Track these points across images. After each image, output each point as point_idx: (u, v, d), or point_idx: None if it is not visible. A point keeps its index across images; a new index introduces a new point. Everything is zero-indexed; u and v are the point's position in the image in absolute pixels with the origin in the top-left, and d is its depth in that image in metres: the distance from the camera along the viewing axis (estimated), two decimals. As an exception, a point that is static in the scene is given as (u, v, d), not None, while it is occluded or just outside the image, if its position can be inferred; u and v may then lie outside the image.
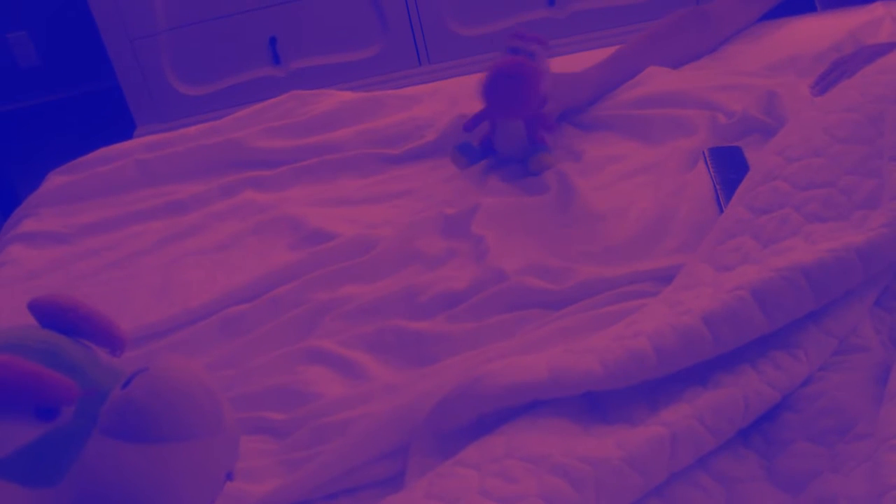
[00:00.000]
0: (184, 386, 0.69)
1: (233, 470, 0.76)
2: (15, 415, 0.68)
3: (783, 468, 0.93)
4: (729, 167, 1.41)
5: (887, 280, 1.06)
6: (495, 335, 1.22)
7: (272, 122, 1.89)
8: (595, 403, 1.03)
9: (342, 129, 1.83)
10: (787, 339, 1.00)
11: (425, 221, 1.47)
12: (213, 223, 1.67)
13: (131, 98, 3.38)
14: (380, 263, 1.42)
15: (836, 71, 1.56)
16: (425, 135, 1.76)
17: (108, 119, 3.58)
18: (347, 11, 3.28)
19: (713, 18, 1.82)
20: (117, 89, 3.39)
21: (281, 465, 1.10)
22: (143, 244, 1.67)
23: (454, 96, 1.86)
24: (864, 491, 0.84)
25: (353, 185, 1.69)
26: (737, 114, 1.52)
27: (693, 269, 1.17)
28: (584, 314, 1.20)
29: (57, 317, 0.77)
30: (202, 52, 3.32)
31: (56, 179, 1.98)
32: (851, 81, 1.28)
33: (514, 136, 1.59)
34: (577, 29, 3.28)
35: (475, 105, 1.64)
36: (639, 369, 1.00)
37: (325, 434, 1.12)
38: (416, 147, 1.74)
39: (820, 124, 1.21)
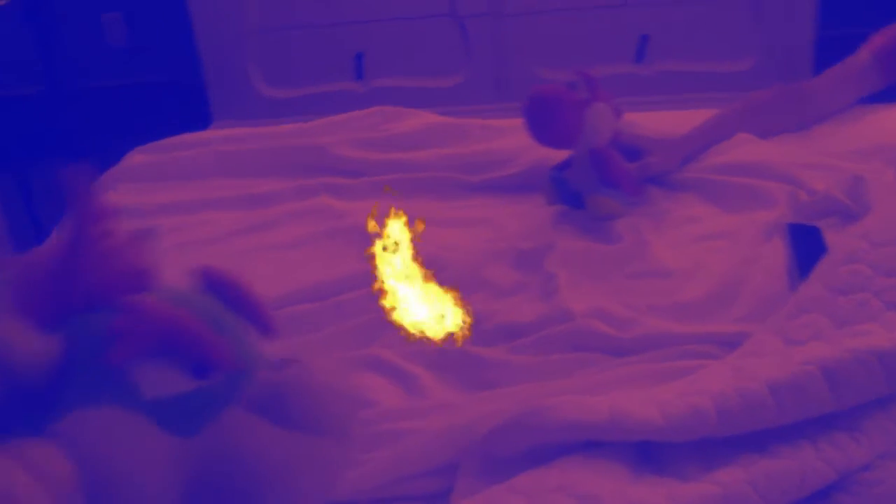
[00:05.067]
0: (330, 387, 0.74)
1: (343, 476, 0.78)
2: (174, 365, 0.72)
3: (831, 548, 0.93)
4: (805, 245, 1.41)
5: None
6: (555, 372, 1.23)
7: (356, 133, 1.91)
8: (649, 454, 1.03)
9: (424, 149, 1.86)
10: (852, 422, 1.00)
11: (498, 252, 1.49)
12: (286, 222, 1.70)
13: (212, 92, 3.43)
14: (447, 286, 1.43)
15: None
16: (506, 168, 1.77)
17: (185, 110, 3.63)
18: (435, 37, 3.32)
19: (811, 97, 1.83)
20: (199, 81, 3.44)
21: (330, 466, 1.11)
22: (215, 232, 1.69)
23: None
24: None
25: (429, 206, 1.71)
26: (819, 193, 1.52)
27: (761, 338, 1.17)
28: (645, 365, 1.21)
29: (223, 288, 0.82)
30: (288, 58, 3.37)
31: (136, 158, 2.01)
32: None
33: (585, 174, 1.59)
34: (661, 88, 3.28)
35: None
36: (698, 426, 1.00)
37: (377, 441, 1.13)
38: (496, 178, 1.75)
39: (907, 213, 1.21)
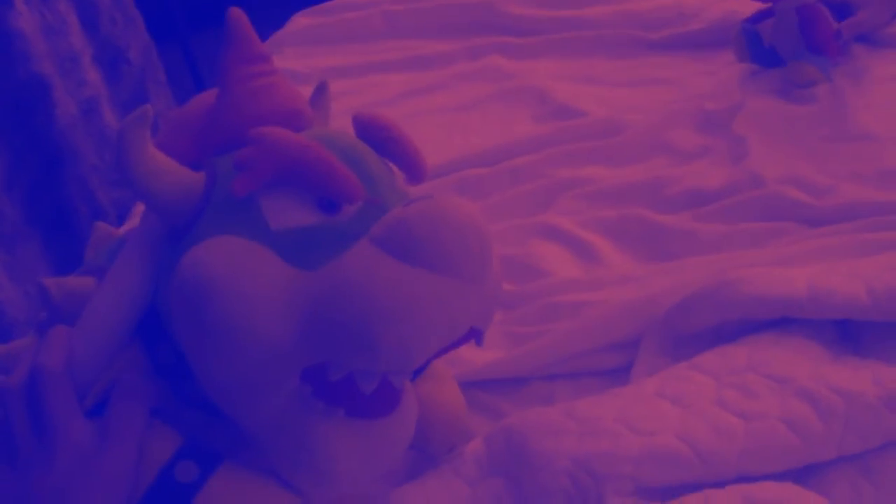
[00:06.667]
0: (462, 224, 0.68)
1: (483, 332, 0.72)
2: (301, 197, 0.71)
3: None
4: None
5: None
6: (745, 243, 1.14)
7: (528, -11, 1.82)
8: (850, 334, 0.94)
9: (601, 5, 1.76)
10: None
11: (681, 113, 1.39)
12: (456, 84, 1.64)
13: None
14: (627, 149, 1.35)
15: None
16: (690, 23, 1.66)
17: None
18: None
19: None
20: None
21: (504, 337, 1.07)
22: (383, 95, 1.65)
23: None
24: None
25: (606, 65, 1.62)
26: None
27: (981, 206, 1.06)
28: (846, 237, 1.10)
29: (373, 131, 0.79)
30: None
31: (301, 20, 1.99)
32: None
33: (788, 32, 1.44)
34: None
35: (749, 2, 1.52)
36: (909, 304, 0.90)
37: (554, 313, 1.07)
38: (679, 34, 1.64)
39: None
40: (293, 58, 1.86)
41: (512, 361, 1.01)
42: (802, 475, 0.83)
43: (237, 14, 0.77)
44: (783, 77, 1.43)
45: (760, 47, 1.46)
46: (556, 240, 1.20)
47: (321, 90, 0.90)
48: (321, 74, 1.73)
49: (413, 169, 0.79)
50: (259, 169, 0.70)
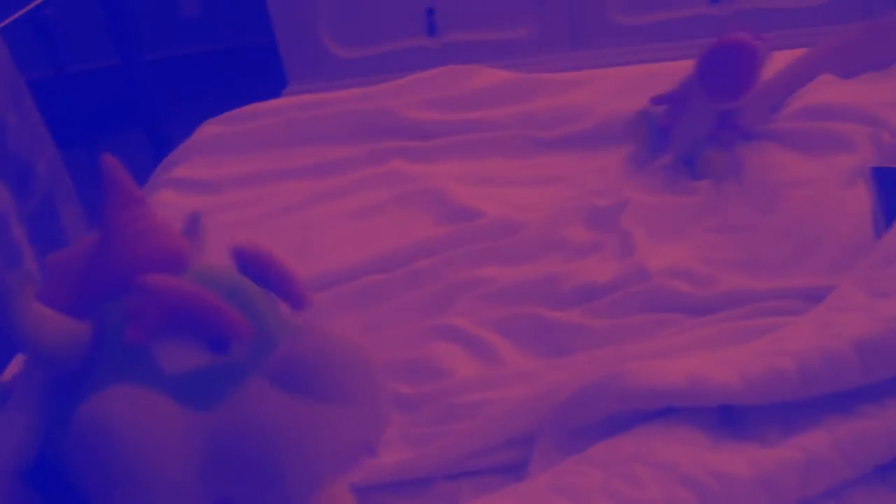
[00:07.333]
0: (348, 355, 0.75)
1: (376, 447, 0.77)
2: (191, 341, 0.75)
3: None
4: (891, 189, 1.36)
5: None
6: (634, 335, 1.20)
7: (427, 93, 1.89)
8: (728, 418, 1.01)
9: (496, 107, 1.83)
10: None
11: (573, 210, 1.46)
12: (358, 189, 1.69)
13: (286, 55, 3.44)
14: (523, 248, 1.41)
15: None
16: (581, 122, 1.73)
17: (261, 74, 3.65)
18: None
19: (894, 31, 1.74)
20: (272, 45, 3.45)
21: (405, 439, 1.11)
22: (287, 202, 1.69)
23: (616, 86, 1.82)
24: None
25: (502, 165, 1.68)
26: (904, 133, 1.46)
27: (845, 291, 1.13)
28: (726, 324, 1.18)
29: (253, 264, 0.84)
30: (360, 17, 3.35)
31: (209, 129, 2.02)
32: None
33: (699, 127, 1.53)
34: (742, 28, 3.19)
35: (637, 98, 1.60)
36: (779, 388, 0.97)
37: (454, 413, 1.12)
38: (571, 133, 1.72)
39: None
40: (201, 167, 1.88)
41: (414, 462, 1.05)
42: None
43: (111, 162, 0.83)
44: (695, 169, 1.52)
45: (656, 128, 1.55)
46: (455, 340, 1.25)
47: (194, 222, 0.94)
48: (228, 183, 1.79)
49: (294, 298, 0.84)
50: (148, 317, 0.74)
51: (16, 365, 1.42)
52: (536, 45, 3.33)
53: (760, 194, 1.45)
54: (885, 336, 0.96)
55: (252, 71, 3.79)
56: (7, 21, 2.39)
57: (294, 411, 0.70)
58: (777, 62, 1.70)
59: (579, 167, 1.64)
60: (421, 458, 1.05)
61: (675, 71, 1.63)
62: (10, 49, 2.18)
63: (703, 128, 1.52)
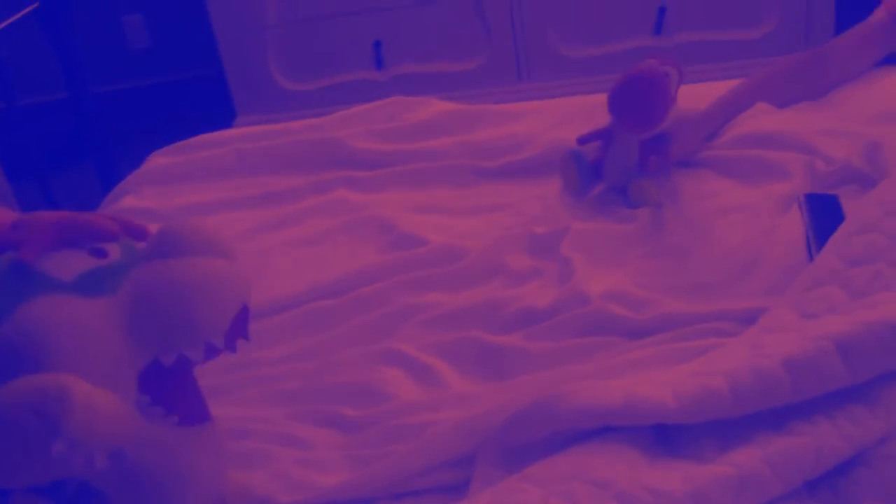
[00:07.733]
0: (198, 223, 0.99)
1: (248, 310, 0.96)
2: (76, 252, 0.94)
3: (849, 523, 0.93)
4: (824, 215, 1.39)
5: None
6: (572, 358, 1.23)
7: (374, 124, 1.92)
8: (665, 436, 1.03)
9: (441, 138, 1.86)
10: (869, 395, 0.99)
11: (514, 237, 1.49)
12: (305, 218, 1.71)
13: (234, 87, 3.46)
14: (465, 274, 1.44)
15: None
16: (523, 151, 1.77)
17: (210, 105, 3.67)
18: (453, 22, 3.32)
19: (828, 62, 1.79)
20: (221, 77, 3.47)
21: (347, 460, 1.13)
22: (236, 231, 1.70)
23: (557, 117, 1.86)
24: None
25: (446, 194, 1.71)
26: (837, 161, 1.50)
27: (777, 313, 1.16)
28: (662, 346, 1.21)
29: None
30: (307, 50, 3.39)
31: (158, 160, 2.03)
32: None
33: (626, 158, 1.57)
34: (682, 60, 3.25)
35: (578, 128, 1.64)
36: (712, 407, 1.00)
37: (395, 435, 1.14)
38: (513, 163, 1.75)
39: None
40: (151, 197, 1.89)
41: (357, 483, 1.07)
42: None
43: None
44: (628, 197, 1.56)
45: (586, 167, 1.59)
46: (399, 365, 1.27)
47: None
48: (177, 212, 1.80)
49: (136, 234, 1.02)
50: (35, 238, 0.92)
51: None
52: (483, 76, 3.37)
53: (697, 220, 1.49)
54: (813, 355, 0.99)
55: (201, 103, 3.80)
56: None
57: (184, 263, 0.90)
58: (714, 92, 1.75)
59: (521, 195, 1.67)
60: (363, 478, 1.07)
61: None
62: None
63: (630, 158, 1.57)
